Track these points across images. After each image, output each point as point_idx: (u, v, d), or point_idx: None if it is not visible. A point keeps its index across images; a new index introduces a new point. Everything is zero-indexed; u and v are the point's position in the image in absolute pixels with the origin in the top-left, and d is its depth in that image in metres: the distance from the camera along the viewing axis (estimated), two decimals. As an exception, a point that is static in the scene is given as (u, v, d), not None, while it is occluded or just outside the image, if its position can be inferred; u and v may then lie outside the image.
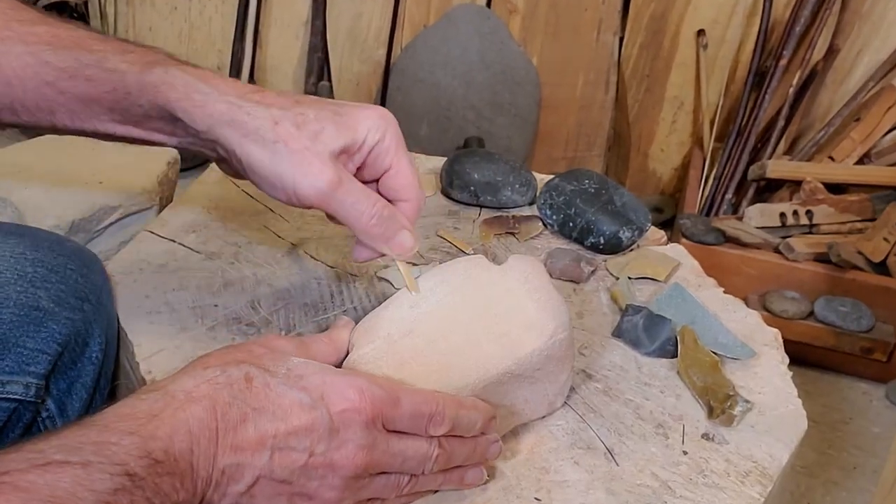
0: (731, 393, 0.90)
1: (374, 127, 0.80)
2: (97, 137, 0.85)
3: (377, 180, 0.83)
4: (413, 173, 0.83)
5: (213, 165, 1.26)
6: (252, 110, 0.77)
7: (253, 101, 0.77)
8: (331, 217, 0.82)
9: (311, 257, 1.07)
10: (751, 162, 2.42)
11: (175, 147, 0.84)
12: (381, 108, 0.82)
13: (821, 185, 2.29)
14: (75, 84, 0.79)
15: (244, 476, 0.63)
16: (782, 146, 2.49)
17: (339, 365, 0.77)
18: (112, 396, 0.92)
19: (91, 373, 0.88)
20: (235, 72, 2.74)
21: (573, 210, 1.16)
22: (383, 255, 0.83)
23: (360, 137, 0.79)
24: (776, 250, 2.18)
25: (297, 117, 0.77)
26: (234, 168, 0.82)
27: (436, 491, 0.76)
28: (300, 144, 0.76)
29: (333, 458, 0.66)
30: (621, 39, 2.76)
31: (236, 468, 0.63)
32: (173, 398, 0.63)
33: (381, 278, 1.04)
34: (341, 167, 0.78)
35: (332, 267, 1.05)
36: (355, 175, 0.81)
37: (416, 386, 0.74)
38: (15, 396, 0.81)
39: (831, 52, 2.48)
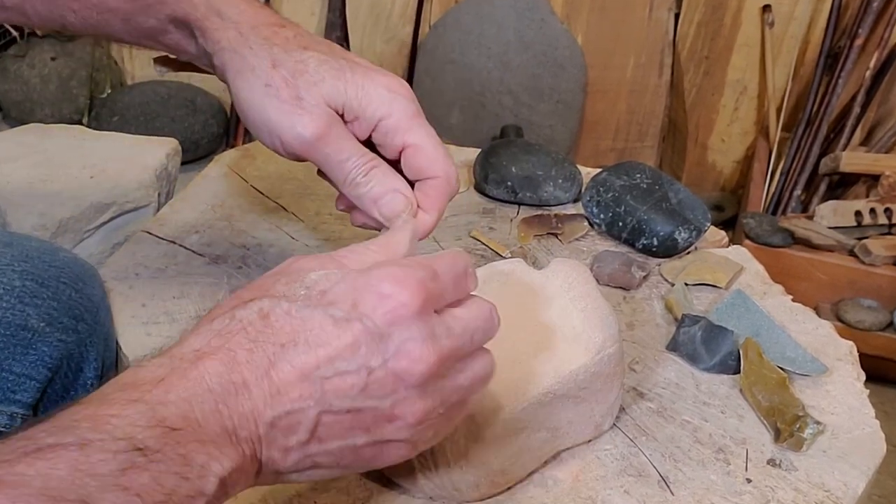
0: (801, 413, 0.89)
1: (379, 100, 0.80)
2: (107, 39, 0.89)
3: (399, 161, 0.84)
4: (436, 147, 0.82)
5: (217, 158, 1.27)
6: (255, 45, 0.79)
7: (261, 37, 0.80)
8: (321, 174, 0.84)
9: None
10: (822, 154, 2.41)
11: (191, 59, 0.87)
12: (395, 78, 0.82)
13: (902, 180, 2.28)
14: None
15: (301, 422, 0.60)
16: (858, 136, 2.47)
17: None
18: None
19: None
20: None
21: (623, 208, 1.16)
22: (381, 223, 0.82)
23: (354, 105, 0.80)
24: (851, 253, 2.18)
25: (298, 65, 0.79)
26: None
27: None
28: (290, 94, 0.78)
29: (397, 367, 0.61)
30: (677, 16, 2.76)
31: (287, 416, 0.59)
32: (181, 359, 0.59)
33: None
34: (338, 120, 0.80)
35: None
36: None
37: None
38: None
39: (914, 30, 2.47)
